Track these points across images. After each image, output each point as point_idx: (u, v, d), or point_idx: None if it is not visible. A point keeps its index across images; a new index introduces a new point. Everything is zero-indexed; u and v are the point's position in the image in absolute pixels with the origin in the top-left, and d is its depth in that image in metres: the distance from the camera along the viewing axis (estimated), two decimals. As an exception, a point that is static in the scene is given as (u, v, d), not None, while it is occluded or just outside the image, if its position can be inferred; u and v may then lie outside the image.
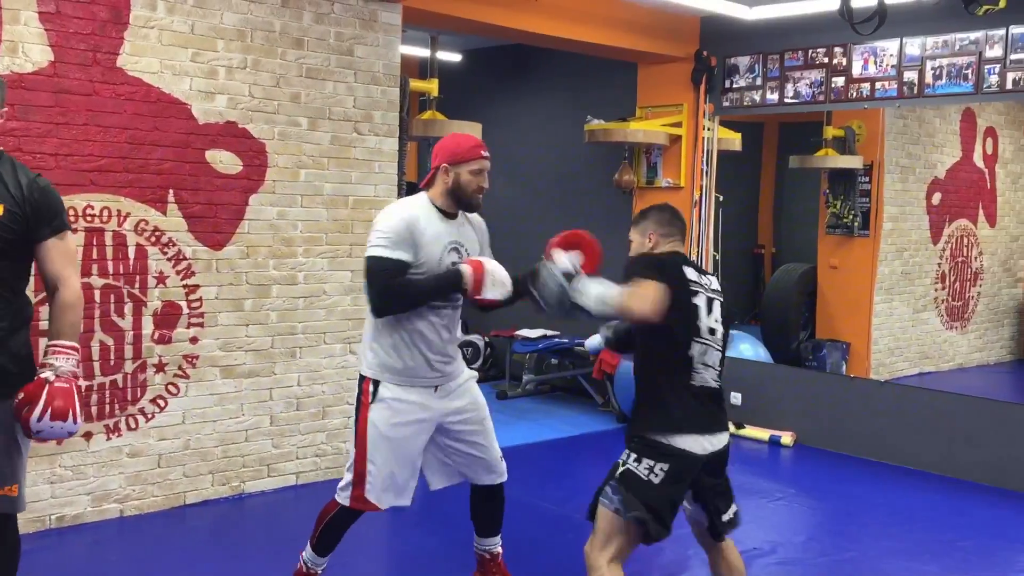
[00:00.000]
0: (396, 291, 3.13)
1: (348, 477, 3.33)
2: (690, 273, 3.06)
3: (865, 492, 5.28)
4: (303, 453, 5.05)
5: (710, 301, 3.08)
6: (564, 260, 3.19)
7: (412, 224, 3.16)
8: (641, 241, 3.22)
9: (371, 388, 3.27)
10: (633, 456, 2.97)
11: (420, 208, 3.24)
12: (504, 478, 3.54)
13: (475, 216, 3.44)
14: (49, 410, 2.55)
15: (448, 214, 3.28)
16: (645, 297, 2.90)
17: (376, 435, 3.25)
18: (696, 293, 3.04)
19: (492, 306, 3.25)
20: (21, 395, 2.59)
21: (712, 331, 3.06)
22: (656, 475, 2.93)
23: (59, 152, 4.18)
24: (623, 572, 2.99)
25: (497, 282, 3.15)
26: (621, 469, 2.99)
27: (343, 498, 3.35)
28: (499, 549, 3.67)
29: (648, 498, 2.93)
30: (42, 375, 2.61)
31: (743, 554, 4.23)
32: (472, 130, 5.62)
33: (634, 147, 7.05)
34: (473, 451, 3.45)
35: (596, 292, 3.00)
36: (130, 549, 4.17)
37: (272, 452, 4.94)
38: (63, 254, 2.71)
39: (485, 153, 3.28)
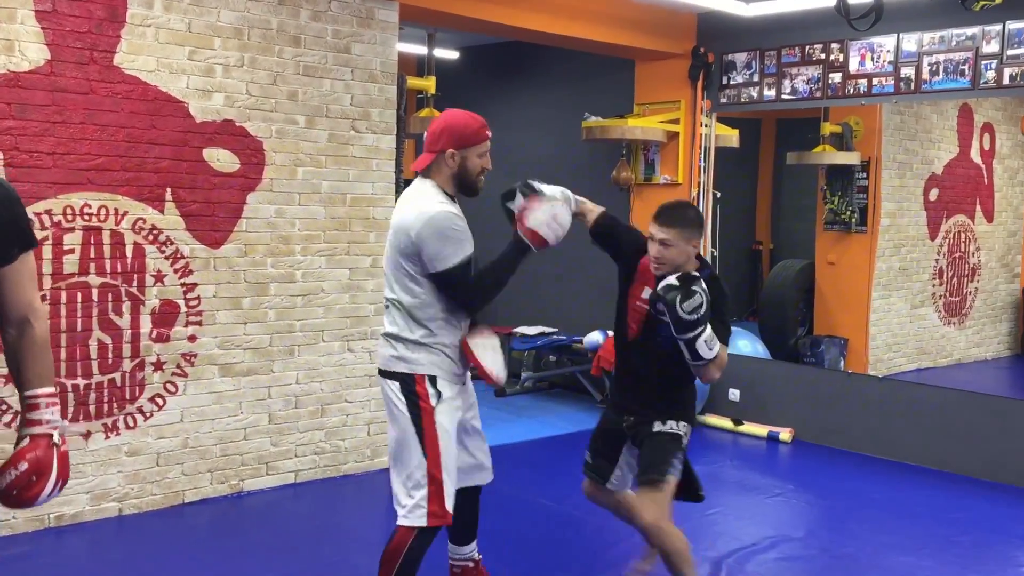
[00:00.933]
0: (481, 284, 3.08)
1: (417, 495, 3.01)
2: None
3: (863, 488, 5.29)
4: (302, 451, 5.05)
5: None
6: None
7: (460, 215, 3.07)
8: (686, 250, 3.16)
9: (429, 388, 3.05)
10: (683, 424, 3.30)
11: (447, 200, 3.07)
12: (492, 476, 3.45)
13: None
14: (60, 481, 2.11)
15: (452, 198, 3.12)
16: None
17: (447, 439, 3.05)
18: None
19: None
20: (24, 464, 2.06)
21: None
22: (687, 438, 3.34)
23: (56, 151, 4.17)
24: None
25: (554, 227, 3.17)
26: (686, 441, 3.30)
27: (417, 517, 3.01)
28: (479, 555, 3.53)
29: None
30: (48, 436, 2.10)
31: (742, 550, 4.26)
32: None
33: (632, 144, 7.05)
34: (477, 449, 3.36)
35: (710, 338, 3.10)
36: (129, 548, 4.17)
37: (271, 450, 4.94)
38: (31, 277, 2.14)
39: (489, 132, 3.15)
